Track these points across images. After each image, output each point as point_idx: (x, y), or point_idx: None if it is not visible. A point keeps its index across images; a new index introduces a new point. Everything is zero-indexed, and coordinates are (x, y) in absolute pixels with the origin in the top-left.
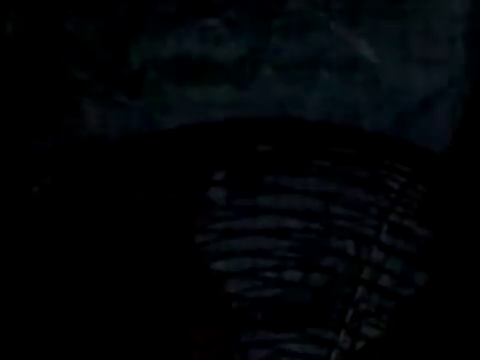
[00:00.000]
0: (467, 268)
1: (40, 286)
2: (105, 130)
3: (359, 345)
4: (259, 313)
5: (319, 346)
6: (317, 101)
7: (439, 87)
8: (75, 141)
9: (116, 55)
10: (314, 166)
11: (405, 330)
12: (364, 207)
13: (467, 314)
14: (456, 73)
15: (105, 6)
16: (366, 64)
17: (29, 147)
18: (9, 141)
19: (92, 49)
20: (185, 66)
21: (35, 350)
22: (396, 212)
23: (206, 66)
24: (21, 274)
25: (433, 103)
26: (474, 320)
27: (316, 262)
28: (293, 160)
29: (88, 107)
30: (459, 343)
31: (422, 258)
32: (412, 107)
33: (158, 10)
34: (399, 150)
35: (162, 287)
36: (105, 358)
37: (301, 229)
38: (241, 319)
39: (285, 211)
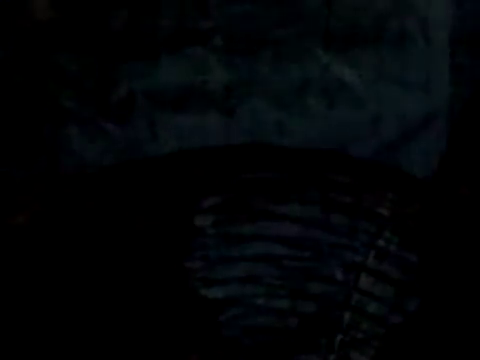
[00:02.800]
0: (458, 293)
1: (28, 311)
2: (92, 158)
3: None
4: (249, 340)
5: None
6: (304, 128)
7: (424, 114)
8: (61, 169)
9: (104, 82)
10: (301, 193)
11: (395, 356)
12: (352, 233)
13: (459, 338)
14: (441, 100)
15: (93, 33)
16: (352, 91)
17: (14, 175)
18: None
19: (79, 76)
20: (173, 93)
21: None
22: (384, 238)
23: (194, 94)
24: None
25: (418, 130)
26: (466, 343)
27: (304, 289)
28: (280, 187)
29: (75, 134)
30: None
31: (412, 284)
32: (398, 133)
33: (146, 38)
34: (386, 176)
35: (151, 315)
36: None
37: (289, 256)
38: (231, 346)
39: (273, 238)
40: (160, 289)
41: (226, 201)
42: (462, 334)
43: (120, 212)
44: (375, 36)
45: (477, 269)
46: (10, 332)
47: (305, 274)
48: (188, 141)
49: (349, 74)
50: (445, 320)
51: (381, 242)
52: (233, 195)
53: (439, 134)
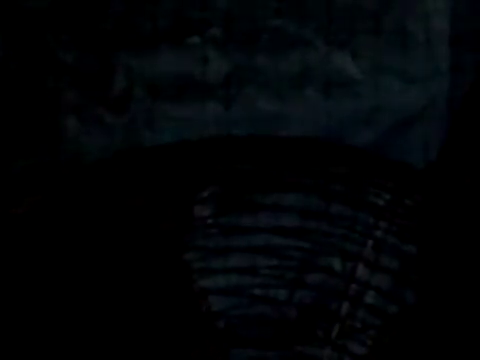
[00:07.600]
0: (456, 284)
1: (22, 306)
2: (90, 148)
3: None
4: (247, 331)
5: None
6: (302, 118)
7: (423, 105)
8: (59, 159)
9: (102, 73)
10: (299, 183)
11: (392, 347)
12: (350, 224)
13: (457, 329)
14: (441, 92)
15: (90, 24)
16: (351, 81)
17: (13, 166)
18: None
19: (78, 67)
20: (171, 84)
21: None
22: (382, 228)
23: (192, 84)
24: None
25: (417, 121)
26: (464, 335)
27: (302, 279)
28: (278, 177)
29: (74, 125)
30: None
31: (409, 274)
32: (397, 125)
33: (144, 28)
34: (385, 167)
35: (148, 306)
36: None
37: (287, 246)
38: (229, 337)
39: (270, 229)
40: (159, 280)
41: (225, 192)
42: (460, 326)
43: (118, 202)
44: (375, 27)
45: (477, 261)
46: (9, 325)
47: (303, 265)
48: (186, 131)
49: (348, 65)
50: (443, 311)
51: (379, 233)
52: (232, 186)
53: (438, 125)
